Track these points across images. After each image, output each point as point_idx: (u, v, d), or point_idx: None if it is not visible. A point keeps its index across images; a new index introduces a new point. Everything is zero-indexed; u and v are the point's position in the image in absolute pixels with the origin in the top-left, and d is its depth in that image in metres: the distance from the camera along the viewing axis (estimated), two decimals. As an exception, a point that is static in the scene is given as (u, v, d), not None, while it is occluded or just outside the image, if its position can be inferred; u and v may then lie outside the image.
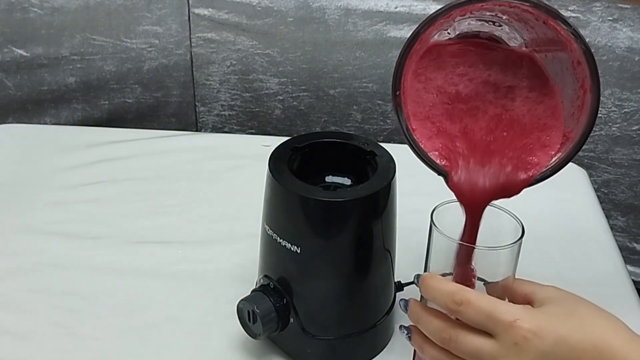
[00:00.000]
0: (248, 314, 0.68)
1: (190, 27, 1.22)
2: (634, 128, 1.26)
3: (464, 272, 0.55)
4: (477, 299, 0.51)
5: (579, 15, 1.16)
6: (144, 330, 0.76)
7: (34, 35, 1.21)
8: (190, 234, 0.91)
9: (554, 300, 0.53)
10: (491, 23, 0.58)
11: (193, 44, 1.23)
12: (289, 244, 0.65)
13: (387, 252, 0.70)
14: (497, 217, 0.57)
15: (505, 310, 0.50)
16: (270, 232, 0.67)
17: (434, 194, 1.01)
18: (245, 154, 1.07)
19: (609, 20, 1.17)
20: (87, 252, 0.87)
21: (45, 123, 1.30)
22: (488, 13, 0.55)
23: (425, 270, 0.58)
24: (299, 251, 0.65)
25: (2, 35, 1.21)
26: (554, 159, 0.56)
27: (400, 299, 0.58)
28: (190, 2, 1.19)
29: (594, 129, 1.34)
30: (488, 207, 0.57)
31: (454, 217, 0.57)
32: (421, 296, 0.57)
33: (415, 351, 0.63)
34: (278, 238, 0.66)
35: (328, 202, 0.63)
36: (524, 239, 0.56)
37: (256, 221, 0.71)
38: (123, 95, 1.28)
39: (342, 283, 0.68)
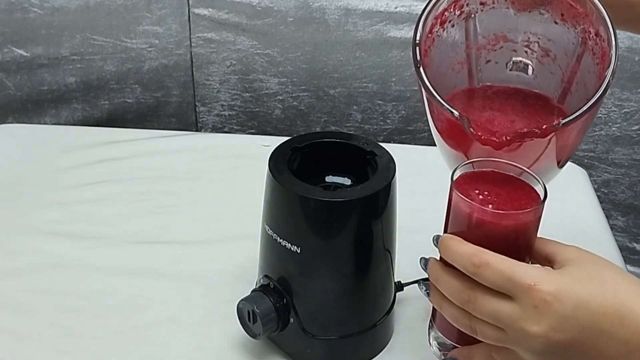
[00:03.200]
0: (248, 314, 0.68)
1: (190, 27, 1.22)
2: (634, 128, 1.26)
3: None
4: (496, 261, 0.49)
5: (579, 15, 1.16)
6: (144, 330, 0.76)
7: (34, 35, 1.21)
8: (190, 234, 0.91)
9: (576, 262, 0.51)
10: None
11: (193, 44, 1.23)
12: (289, 244, 0.65)
13: (387, 252, 0.70)
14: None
15: (524, 272, 0.49)
16: (270, 232, 0.67)
17: (434, 193, 1.01)
18: (245, 154, 1.07)
19: (609, 20, 1.17)
20: (87, 252, 0.87)
21: (45, 123, 1.30)
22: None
23: (445, 232, 0.57)
24: (299, 251, 0.65)
25: (2, 35, 1.21)
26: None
27: (421, 258, 0.57)
28: (190, 2, 1.19)
29: (593, 129, 1.34)
30: (511, 170, 0.56)
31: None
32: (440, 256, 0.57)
33: (432, 310, 0.62)
34: (278, 238, 0.66)
35: (328, 202, 0.63)
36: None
37: (256, 221, 0.71)
38: (123, 95, 1.28)
39: (342, 283, 0.68)
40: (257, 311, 0.67)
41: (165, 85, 1.27)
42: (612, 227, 1.05)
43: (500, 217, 0.52)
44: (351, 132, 1.08)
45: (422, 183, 1.01)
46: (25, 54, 1.23)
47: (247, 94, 1.28)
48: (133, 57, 1.24)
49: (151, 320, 0.77)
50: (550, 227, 0.94)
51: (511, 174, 0.56)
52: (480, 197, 0.55)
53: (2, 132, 1.13)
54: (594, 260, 0.52)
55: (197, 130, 1.33)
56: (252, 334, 0.70)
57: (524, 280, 0.48)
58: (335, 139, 0.72)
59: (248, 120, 1.31)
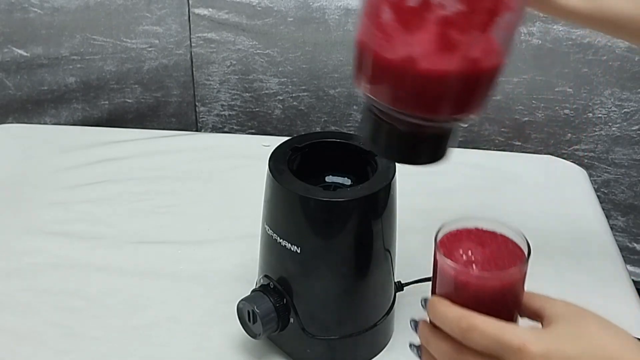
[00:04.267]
0: (248, 314, 0.68)
1: (190, 27, 1.22)
2: (634, 128, 1.26)
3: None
4: (483, 324, 0.49)
5: (579, 15, 1.16)
6: (144, 330, 0.76)
7: (34, 35, 1.21)
8: (190, 234, 0.91)
9: (563, 318, 0.51)
10: None
11: (193, 44, 1.23)
12: (289, 244, 0.65)
13: (387, 252, 0.70)
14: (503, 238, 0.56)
15: (512, 334, 0.49)
16: (270, 232, 0.67)
17: (434, 194, 1.01)
18: (245, 154, 1.07)
19: (609, 20, 1.17)
20: (87, 252, 0.87)
21: (45, 123, 1.30)
22: None
23: (432, 293, 0.57)
24: (299, 251, 0.65)
25: (2, 35, 1.21)
26: None
27: (411, 319, 0.58)
28: (190, 2, 1.19)
29: (593, 128, 1.34)
30: (494, 227, 0.56)
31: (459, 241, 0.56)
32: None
33: None
34: (278, 238, 0.66)
35: (328, 202, 0.63)
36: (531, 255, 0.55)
37: (256, 221, 0.71)
38: (123, 95, 1.28)
39: (342, 283, 0.68)
40: (257, 311, 0.67)
41: (165, 85, 1.27)
42: (612, 227, 1.05)
43: (485, 279, 0.53)
44: (351, 132, 1.08)
45: (422, 183, 1.01)
46: (25, 54, 1.23)
47: (247, 94, 1.28)
48: (133, 57, 1.24)
49: (151, 320, 0.77)
50: (550, 227, 0.94)
51: (494, 230, 0.56)
52: (464, 257, 0.55)
53: (2, 132, 1.13)
54: (581, 314, 0.52)
55: (197, 130, 1.33)
56: (252, 334, 0.70)
57: (513, 342, 0.48)
58: (335, 139, 0.72)
59: (248, 120, 1.31)
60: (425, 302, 0.56)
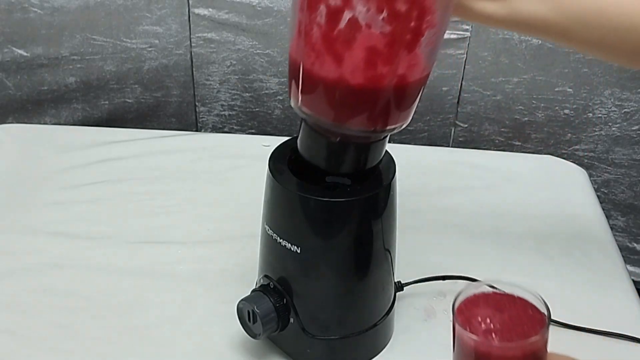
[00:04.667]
0: (248, 314, 0.68)
1: (190, 27, 1.22)
2: (634, 128, 1.26)
3: None
4: None
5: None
6: (144, 330, 0.76)
7: (34, 35, 1.21)
8: (190, 234, 0.91)
9: None
10: None
11: (193, 44, 1.23)
12: (289, 244, 0.65)
13: (387, 252, 0.70)
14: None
15: None
16: (270, 232, 0.67)
17: (434, 193, 1.01)
18: (245, 154, 1.07)
19: (609, 20, 1.17)
20: (87, 252, 0.87)
21: (45, 123, 1.30)
22: None
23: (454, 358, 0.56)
24: (299, 251, 0.65)
25: (2, 35, 1.21)
26: None
27: None
28: (190, 2, 1.19)
29: (593, 128, 1.34)
30: (512, 290, 0.55)
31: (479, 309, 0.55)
32: None
33: None
34: (278, 238, 0.66)
35: (328, 202, 0.63)
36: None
37: (256, 221, 0.71)
38: (123, 95, 1.28)
39: (342, 283, 0.68)
40: (257, 311, 0.67)
41: (165, 85, 1.27)
42: (612, 227, 1.05)
43: (507, 349, 0.52)
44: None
45: (422, 183, 1.01)
46: (25, 54, 1.23)
47: (247, 94, 1.28)
48: (133, 57, 1.24)
49: (151, 320, 0.77)
50: (550, 227, 0.94)
51: (512, 293, 0.55)
52: (483, 325, 0.53)
53: (2, 132, 1.13)
54: None
55: (197, 130, 1.33)
56: (252, 334, 0.69)
57: None
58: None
59: (248, 120, 1.31)
60: None
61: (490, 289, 0.55)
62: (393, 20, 0.54)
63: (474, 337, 0.51)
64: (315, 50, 0.57)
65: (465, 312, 0.54)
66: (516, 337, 0.52)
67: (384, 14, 0.54)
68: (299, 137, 0.66)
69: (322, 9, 0.55)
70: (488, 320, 0.54)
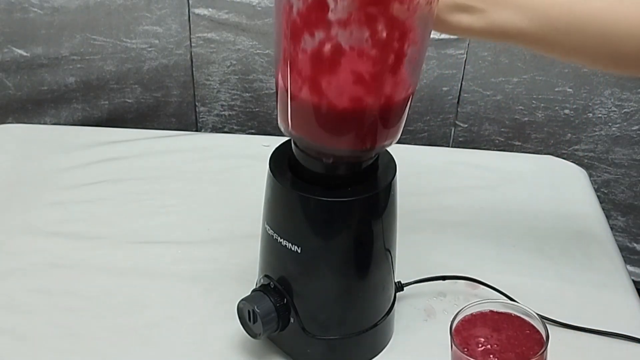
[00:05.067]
0: (248, 314, 0.68)
1: (190, 27, 1.22)
2: (634, 128, 1.26)
3: None
4: None
5: (579, 15, 1.16)
6: (144, 330, 0.76)
7: (34, 35, 1.21)
8: (190, 234, 0.91)
9: None
10: None
11: (193, 44, 1.23)
12: (290, 244, 0.65)
13: (388, 252, 0.70)
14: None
15: None
16: (270, 231, 0.67)
17: (434, 193, 1.01)
18: (245, 154, 1.07)
19: (609, 20, 1.17)
20: (87, 252, 0.87)
21: (45, 123, 1.30)
22: None
23: None
24: (299, 251, 0.65)
25: (2, 35, 1.21)
26: None
27: None
28: (190, 2, 1.19)
29: (593, 128, 1.34)
30: (509, 309, 0.55)
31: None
32: None
33: None
34: (278, 238, 0.66)
35: (328, 202, 0.63)
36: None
37: (256, 221, 0.71)
38: (123, 95, 1.28)
39: (342, 283, 0.68)
40: (258, 311, 0.67)
41: (165, 85, 1.27)
42: (612, 227, 1.05)
43: None
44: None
45: (422, 183, 1.01)
46: (25, 54, 1.23)
47: (247, 94, 1.28)
48: (133, 57, 1.24)
49: (151, 320, 0.77)
50: (550, 227, 0.94)
51: (509, 313, 0.55)
52: (481, 347, 0.54)
53: (2, 132, 1.13)
54: None
55: (197, 130, 1.33)
56: (253, 334, 0.69)
57: None
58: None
59: (248, 120, 1.31)
60: None
61: (488, 309, 0.55)
62: (375, 43, 0.55)
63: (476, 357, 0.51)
64: (302, 77, 0.59)
65: (462, 333, 0.54)
66: (514, 357, 0.52)
67: (366, 37, 0.55)
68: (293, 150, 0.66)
69: (306, 37, 0.56)
70: (485, 340, 0.54)
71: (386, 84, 0.58)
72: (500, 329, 0.54)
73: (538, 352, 0.52)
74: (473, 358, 0.52)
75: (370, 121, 0.60)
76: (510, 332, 0.54)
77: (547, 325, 0.77)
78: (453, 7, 0.64)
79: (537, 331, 0.54)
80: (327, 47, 0.56)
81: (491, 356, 0.52)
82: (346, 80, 0.57)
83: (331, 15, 0.54)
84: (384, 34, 0.55)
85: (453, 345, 0.53)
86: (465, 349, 0.52)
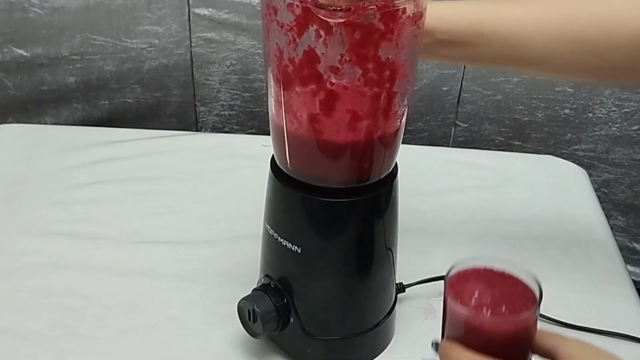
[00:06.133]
0: (248, 313, 0.68)
1: (190, 27, 1.22)
2: (634, 128, 1.26)
3: None
4: None
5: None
6: (144, 330, 0.76)
7: (34, 35, 1.21)
8: (190, 234, 0.91)
9: (578, 358, 0.51)
10: None
11: (193, 44, 1.23)
12: (290, 244, 0.65)
13: (389, 253, 0.70)
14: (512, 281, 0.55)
15: None
16: (271, 231, 0.67)
17: (434, 193, 1.01)
18: (245, 154, 1.07)
19: (609, 20, 1.17)
20: (87, 252, 0.87)
21: (45, 123, 1.30)
22: None
23: (442, 333, 0.56)
24: (299, 251, 0.65)
25: (2, 35, 1.21)
26: None
27: (432, 342, 0.57)
28: (190, 2, 1.19)
29: (593, 128, 1.34)
30: (504, 267, 0.55)
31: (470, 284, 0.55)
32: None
33: None
34: (279, 238, 0.66)
35: (329, 203, 0.63)
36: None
37: (256, 221, 0.71)
38: (123, 95, 1.28)
39: (342, 283, 0.68)
40: (258, 310, 0.67)
41: (165, 85, 1.27)
42: (612, 227, 1.05)
43: (498, 324, 0.52)
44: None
45: (422, 183, 1.01)
46: (25, 54, 1.23)
47: (247, 93, 1.28)
48: (133, 57, 1.24)
49: (151, 320, 0.77)
50: (550, 227, 0.94)
51: (504, 271, 0.55)
52: (474, 299, 0.54)
53: (2, 132, 1.13)
54: (595, 353, 0.52)
55: (197, 130, 1.33)
56: (253, 333, 0.69)
57: None
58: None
59: (248, 120, 1.31)
60: (436, 346, 0.55)
61: (482, 266, 0.56)
62: (367, 81, 0.57)
63: (465, 310, 0.52)
64: (297, 118, 0.60)
65: (456, 286, 0.54)
66: (507, 311, 0.52)
67: (359, 77, 0.57)
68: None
69: (297, 82, 0.58)
70: (480, 294, 0.54)
71: (381, 117, 0.60)
72: (494, 285, 0.55)
73: (530, 309, 0.52)
74: (466, 307, 0.52)
75: (367, 153, 0.62)
76: (503, 289, 0.54)
77: (547, 324, 0.77)
78: (439, 43, 0.67)
79: (531, 290, 0.54)
80: (321, 89, 0.57)
81: (484, 309, 0.53)
82: (342, 118, 0.59)
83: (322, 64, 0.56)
84: (377, 73, 0.57)
85: (447, 297, 0.54)
86: (459, 301, 0.52)
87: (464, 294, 0.54)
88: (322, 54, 0.55)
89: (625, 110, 1.25)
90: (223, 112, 1.31)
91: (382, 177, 0.66)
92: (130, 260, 0.86)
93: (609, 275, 0.86)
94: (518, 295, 0.54)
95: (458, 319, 0.53)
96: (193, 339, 0.75)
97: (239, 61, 1.24)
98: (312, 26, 0.54)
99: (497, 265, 0.56)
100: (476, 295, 0.54)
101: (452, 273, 0.55)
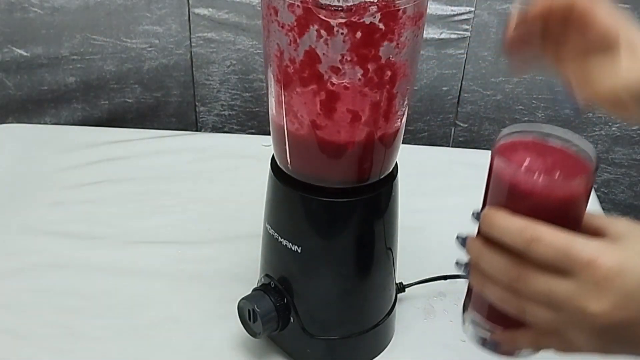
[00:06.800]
0: (248, 313, 0.68)
1: (190, 27, 1.22)
2: (634, 128, 1.26)
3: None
4: (550, 235, 0.45)
5: (579, 15, 1.16)
6: (144, 330, 0.76)
7: (34, 35, 1.21)
8: (190, 234, 0.91)
9: (629, 236, 0.47)
10: None
11: (193, 44, 1.23)
12: (290, 244, 0.65)
13: (389, 252, 0.70)
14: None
15: (583, 247, 0.44)
16: (271, 231, 0.67)
17: (434, 193, 1.01)
18: (245, 154, 1.07)
19: (609, 20, 1.17)
20: (87, 252, 0.87)
21: (45, 123, 1.30)
22: None
23: (483, 208, 0.52)
24: (299, 251, 0.65)
25: (2, 35, 1.21)
26: None
27: (457, 236, 0.52)
28: (190, 2, 1.19)
29: (593, 128, 1.34)
30: (558, 133, 0.51)
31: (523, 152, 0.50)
32: (478, 233, 0.51)
33: (468, 291, 0.56)
34: (279, 237, 0.66)
35: (329, 203, 0.63)
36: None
37: (256, 221, 0.71)
38: (123, 95, 1.28)
39: (342, 283, 0.68)
40: (258, 310, 0.67)
41: (165, 85, 1.27)
42: (612, 227, 1.04)
43: (551, 188, 0.47)
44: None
45: (422, 183, 1.01)
46: (25, 54, 1.23)
47: (247, 93, 1.28)
48: (133, 57, 1.24)
49: (151, 320, 0.77)
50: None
51: (557, 139, 0.51)
52: (524, 167, 0.49)
53: (2, 132, 1.13)
54: None
55: (197, 130, 1.32)
56: (253, 333, 0.69)
57: (583, 255, 0.44)
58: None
59: (248, 120, 1.31)
60: (477, 216, 0.50)
61: (531, 137, 0.51)
62: (368, 82, 0.57)
63: (517, 172, 0.47)
64: (298, 118, 0.60)
65: (504, 154, 0.50)
66: (561, 177, 0.48)
67: (359, 77, 0.57)
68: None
69: (298, 82, 0.58)
70: (530, 163, 0.50)
71: (381, 116, 0.60)
72: (545, 155, 0.50)
73: (585, 175, 0.47)
74: (518, 167, 0.47)
75: (368, 153, 0.62)
76: (556, 157, 0.50)
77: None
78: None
79: (585, 160, 0.49)
80: (322, 89, 0.57)
81: (536, 173, 0.47)
82: (343, 117, 0.59)
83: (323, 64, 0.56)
84: (378, 74, 0.57)
85: (495, 160, 0.49)
86: (509, 162, 0.48)
87: (512, 160, 0.49)
88: (323, 54, 0.55)
89: (625, 110, 1.25)
90: (223, 112, 1.31)
91: (382, 177, 0.66)
92: (130, 260, 0.86)
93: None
94: (571, 164, 0.50)
95: (505, 185, 0.48)
96: (193, 339, 0.75)
97: (239, 61, 1.24)
98: (313, 26, 0.54)
99: (549, 130, 0.51)
100: (526, 162, 0.50)
101: (500, 140, 0.51)
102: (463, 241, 0.52)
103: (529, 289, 0.46)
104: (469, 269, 0.51)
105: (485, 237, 0.49)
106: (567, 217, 0.48)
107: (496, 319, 0.54)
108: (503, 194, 0.49)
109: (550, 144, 0.51)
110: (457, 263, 0.53)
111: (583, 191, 0.48)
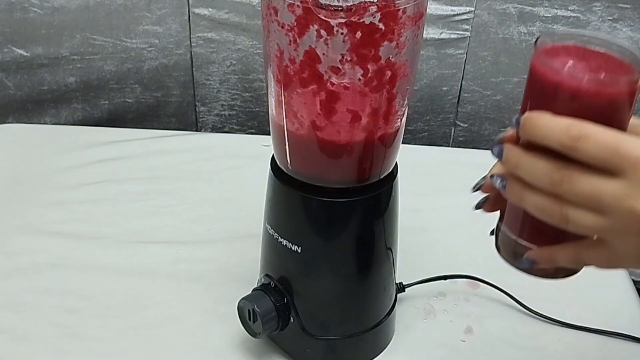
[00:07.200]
0: (248, 313, 0.68)
1: (190, 27, 1.22)
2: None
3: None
4: (598, 132, 0.42)
5: (579, 15, 1.16)
6: (144, 330, 0.76)
7: (34, 35, 1.21)
8: (190, 234, 0.91)
9: None
10: None
11: (193, 44, 1.23)
12: (290, 244, 0.65)
13: (389, 252, 0.70)
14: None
15: (634, 144, 0.41)
16: (271, 231, 0.67)
17: (434, 193, 1.01)
18: (245, 154, 1.07)
19: (609, 20, 1.17)
20: (87, 252, 0.87)
21: (45, 123, 1.30)
22: None
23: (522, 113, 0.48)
24: (299, 251, 0.65)
25: (2, 35, 1.21)
26: None
27: (493, 146, 0.48)
28: (190, 2, 1.19)
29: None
30: (601, 38, 0.48)
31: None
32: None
33: (497, 226, 0.54)
34: (279, 237, 0.66)
35: (329, 203, 0.63)
36: None
37: (256, 221, 0.71)
38: (123, 95, 1.28)
39: (342, 283, 0.68)
40: (258, 310, 0.67)
41: (165, 85, 1.27)
42: (612, 227, 1.04)
43: (599, 85, 0.44)
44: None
45: (422, 183, 1.01)
46: (25, 54, 1.23)
47: (247, 93, 1.28)
48: (133, 57, 1.24)
49: (151, 320, 0.77)
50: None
51: (600, 44, 0.48)
52: (569, 65, 0.46)
53: (2, 132, 1.13)
54: None
55: (197, 130, 1.32)
56: (253, 333, 0.70)
57: (634, 152, 0.41)
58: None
59: (248, 120, 1.31)
60: (517, 121, 0.46)
61: (572, 42, 0.49)
62: (368, 82, 0.57)
63: (562, 69, 0.45)
64: (298, 118, 0.60)
65: (547, 56, 0.48)
66: (606, 77, 0.45)
67: (359, 77, 0.57)
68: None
69: (298, 82, 0.58)
70: (573, 64, 0.47)
71: (381, 116, 0.60)
72: (587, 57, 0.48)
73: (633, 74, 0.45)
74: (563, 65, 0.45)
75: (369, 153, 0.62)
76: (600, 61, 0.48)
77: (547, 323, 0.77)
78: None
79: (627, 65, 0.47)
80: (322, 89, 0.57)
81: (581, 71, 0.45)
82: (342, 117, 0.59)
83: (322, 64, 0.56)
84: (377, 74, 0.57)
85: (536, 61, 0.47)
86: (553, 60, 0.45)
87: (555, 60, 0.47)
88: (323, 54, 0.55)
89: (625, 110, 1.25)
90: (223, 112, 1.31)
91: (382, 177, 0.66)
92: (130, 260, 0.86)
93: (609, 275, 0.86)
94: (615, 66, 0.47)
95: (549, 86, 0.46)
96: (193, 339, 0.75)
97: (239, 61, 1.24)
98: (313, 26, 0.54)
99: (590, 40, 0.49)
100: (569, 64, 0.47)
101: (541, 45, 0.48)
102: (500, 150, 0.47)
103: (574, 191, 0.43)
104: (505, 181, 0.48)
105: (524, 145, 0.46)
106: (612, 120, 0.45)
107: (533, 236, 0.51)
108: (545, 96, 0.46)
109: (593, 48, 0.48)
110: (492, 175, 0.49)
111: (629, 92, 0.45)
